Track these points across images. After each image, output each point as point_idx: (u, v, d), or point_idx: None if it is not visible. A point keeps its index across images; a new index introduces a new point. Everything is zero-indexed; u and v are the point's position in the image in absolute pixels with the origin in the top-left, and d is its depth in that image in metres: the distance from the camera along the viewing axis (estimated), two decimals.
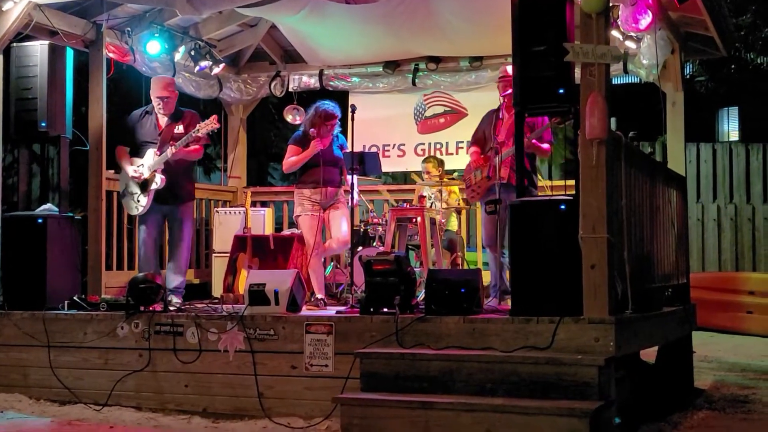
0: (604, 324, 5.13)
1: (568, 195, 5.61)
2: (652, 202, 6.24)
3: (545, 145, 6.89)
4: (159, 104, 7.36)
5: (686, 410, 5.93)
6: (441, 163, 8.79)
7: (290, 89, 9.66)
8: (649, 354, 6.62)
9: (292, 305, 6.17)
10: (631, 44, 7.27)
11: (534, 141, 6.74)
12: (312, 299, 7.13)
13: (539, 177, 8.03)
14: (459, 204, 8.52)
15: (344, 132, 7.68)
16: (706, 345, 9.18)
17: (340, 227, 7.27)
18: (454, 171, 9.18)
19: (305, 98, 8.83)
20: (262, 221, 8.95)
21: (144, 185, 7.26)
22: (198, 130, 7.19)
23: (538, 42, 5.57)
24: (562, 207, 5.44)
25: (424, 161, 8.86)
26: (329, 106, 7.30)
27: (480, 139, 7.20)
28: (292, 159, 7.33)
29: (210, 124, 7.21)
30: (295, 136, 7.47)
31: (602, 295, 5.19)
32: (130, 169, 7.28)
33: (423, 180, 8.77)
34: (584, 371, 4.95)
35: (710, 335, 10.25)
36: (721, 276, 11.99)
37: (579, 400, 4.88)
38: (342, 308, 6.59)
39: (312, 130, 7.26)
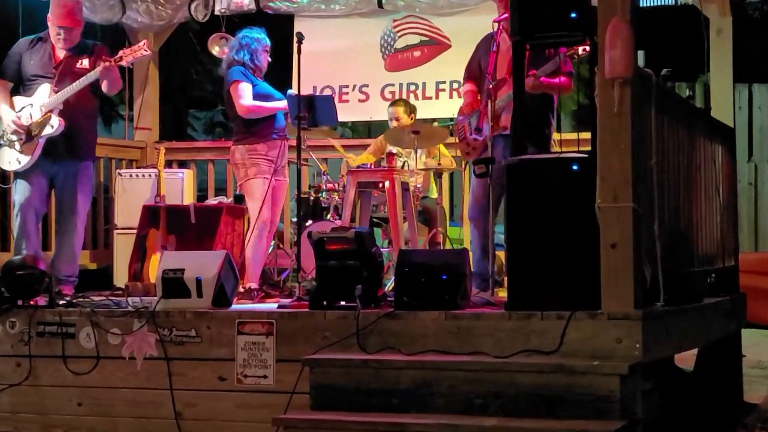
0: (628, 320, 5.16)
1: (582, 152, 5.63)
2: (690, 162, 6.28)
3: (559, 79, 6.76)
4: (59, 34, 7.34)
5: (734, 430, 6.00)
6: (413, 108, 8.77)
7: (216, 12, 9.58)
8: (686, 358, 6.68)
9: (219, 298, 6.15)
10: None
11: (542, 78, 6.72)
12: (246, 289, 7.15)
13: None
14: (440, 164, 8.51)
15: (289, 69, 7.65)
16: (759, 346, 9.29)
17: (278, 209, 7.55)
18: (434, 120, 9.16)
19: (237, 24, 8.75)
20: (181, 187, 8.93)
21: (31, 131, 7.18)
22: (122, 57, 7.18)
23: None
24: (575, 167, 5.45)
25: (392, 105, 8.85)
26: (259, 32, 7.56)
27: (475, 73, 7.21)
28: (258, 102, 7.33)
29: (139, 50, 7.24)
30: (241, 71, 7.43)
31: (626, 283, 5.21)
32: (10, 113, 7.22)
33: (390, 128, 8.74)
34: (602, 382, 4.98)
35: (764, 334, 10.38)
36: None
37: (595, 419, 4.92)
38: (286, 301, 6.61)
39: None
